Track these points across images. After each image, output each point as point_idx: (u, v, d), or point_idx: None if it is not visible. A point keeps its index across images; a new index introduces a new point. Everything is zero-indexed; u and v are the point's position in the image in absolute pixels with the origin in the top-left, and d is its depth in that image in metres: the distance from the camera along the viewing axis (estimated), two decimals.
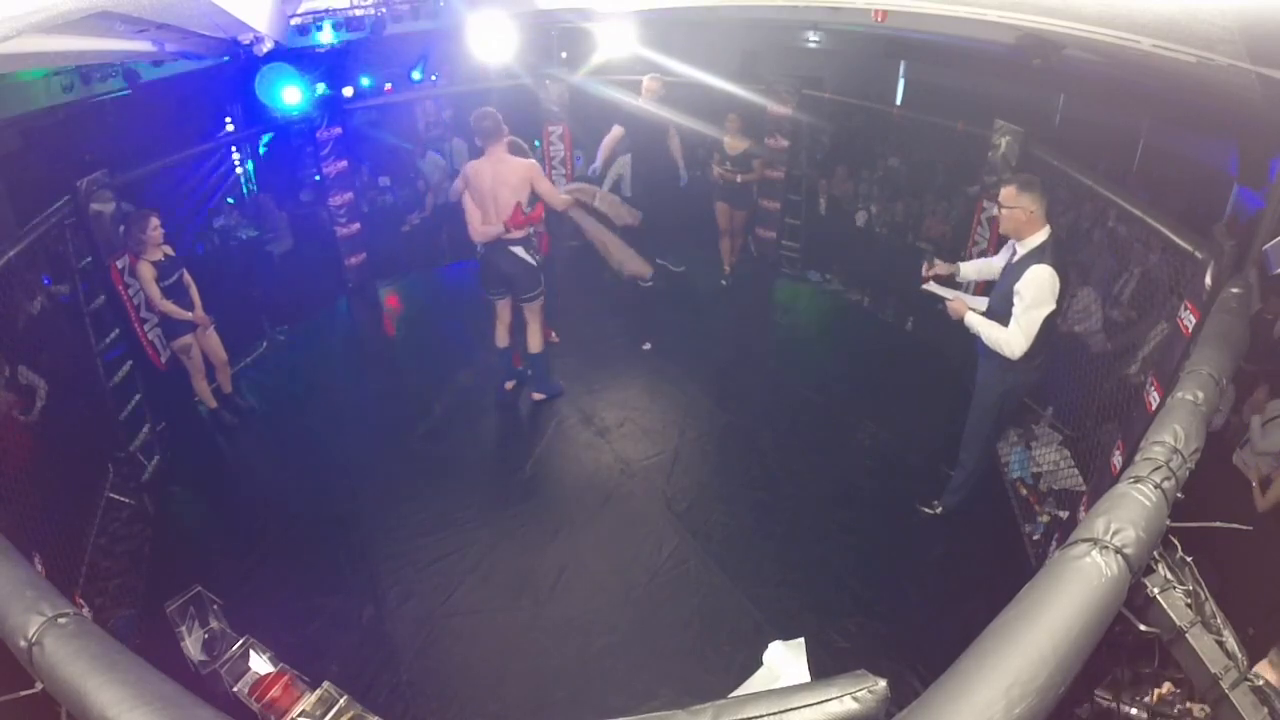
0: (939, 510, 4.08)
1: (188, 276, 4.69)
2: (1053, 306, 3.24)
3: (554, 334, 5.53)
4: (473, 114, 4.34)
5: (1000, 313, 3.41)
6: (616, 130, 6.00)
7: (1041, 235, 3.28)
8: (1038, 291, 3.20)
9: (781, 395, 5.16)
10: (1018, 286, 3.25)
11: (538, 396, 5.06)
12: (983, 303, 3.61)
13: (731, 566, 3.76)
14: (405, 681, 3.25)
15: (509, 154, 4.34)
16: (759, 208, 6.65)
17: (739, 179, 6.21)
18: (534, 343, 4.86)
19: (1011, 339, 3.29)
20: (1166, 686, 1.48)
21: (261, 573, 3.76)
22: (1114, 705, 1.51)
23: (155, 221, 4.40)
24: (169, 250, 4.56)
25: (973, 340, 3.57)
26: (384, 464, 4.56)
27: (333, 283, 6.65)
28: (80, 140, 5.06)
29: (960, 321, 3.51)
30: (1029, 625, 1.08)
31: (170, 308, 4.52)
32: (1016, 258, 3.38)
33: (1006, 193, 3.28)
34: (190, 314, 4.65)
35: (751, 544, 3.93)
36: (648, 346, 5.70)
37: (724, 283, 6.69)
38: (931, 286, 3.69)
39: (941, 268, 3.73)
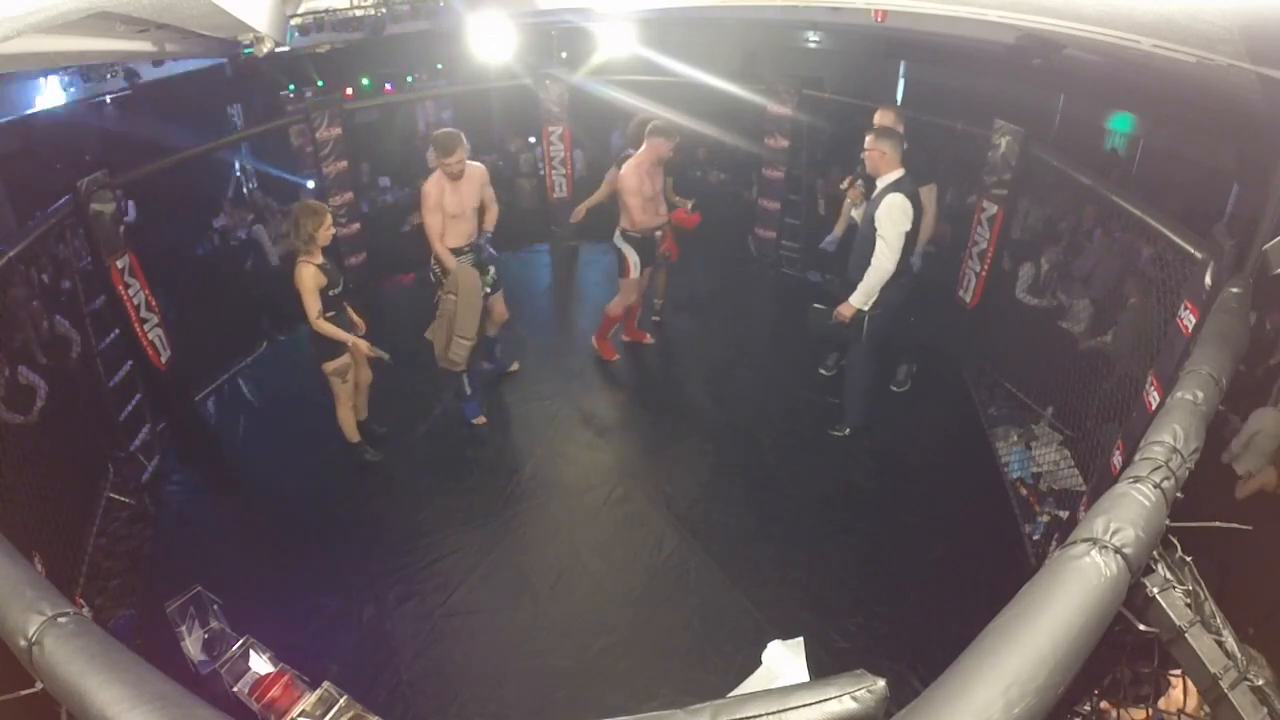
0: (846, 433, 4.62)
1: None
2: (909, 225, 3.89)
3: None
4: None
5: (866, 237, 4.03)
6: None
7: (895, 174, 3.93)
8: (894, 211, 3.86)
9: (781, 395, 5.16)
10: (877, 213, 3.90)
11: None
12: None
13: (731, 566, 3.77)
14: (405, 681, 3.25)
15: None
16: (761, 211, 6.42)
17: None
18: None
19: (882, 258, 3.92)
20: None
21: (261, 573, 3.76)
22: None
23: (329, 221, 3.73)
24: None
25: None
26: (384, 464, 4.56)
27: None
28: (80, 140, 5.06)
29: (856, 312, 4.08)
30: (1028, 625, 1.07)
31: (329, 329, 3.84)
32: (875, 193, 4.00)
33: (869, 139, 4.01)
34: (350, 335, 3.93)
35: (751, 544, 3.93)
36: (649, 340, 5.70)
37: (655, 318, 5.94)
38: (816, 310, 4.32)
39: (856, 192, 4.58)
